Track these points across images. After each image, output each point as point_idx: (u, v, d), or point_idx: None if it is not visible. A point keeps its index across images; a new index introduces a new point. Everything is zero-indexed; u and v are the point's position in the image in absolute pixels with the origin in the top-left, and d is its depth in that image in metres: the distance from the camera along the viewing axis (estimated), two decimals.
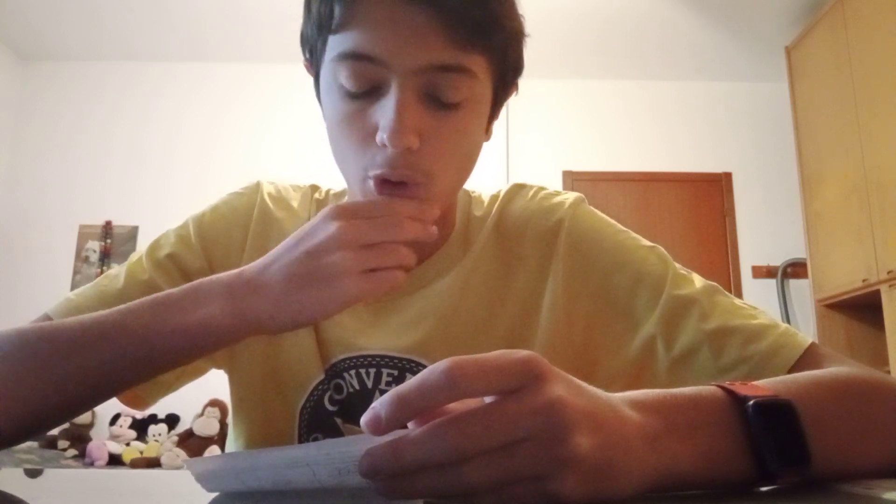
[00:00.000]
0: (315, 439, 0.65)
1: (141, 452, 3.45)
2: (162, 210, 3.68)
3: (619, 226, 0.69)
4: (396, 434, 0.32)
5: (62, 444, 3.43)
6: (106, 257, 4.02)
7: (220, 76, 4.26)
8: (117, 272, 0.65)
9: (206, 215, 0.69)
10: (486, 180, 0.69)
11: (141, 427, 3.60)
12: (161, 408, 3.57)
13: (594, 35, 3.87)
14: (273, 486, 0.38)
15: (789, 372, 0.55)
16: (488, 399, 0.33)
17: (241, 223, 0.69)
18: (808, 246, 3.44)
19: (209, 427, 3.51)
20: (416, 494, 0.31)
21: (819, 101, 3.35)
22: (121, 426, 3.56)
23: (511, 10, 0.56)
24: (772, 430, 0.37)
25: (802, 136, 3.50)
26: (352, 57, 0.53)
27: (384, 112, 0.52)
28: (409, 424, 0.33)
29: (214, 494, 0.40)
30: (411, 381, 0.32)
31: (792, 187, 3.69)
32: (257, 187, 0.72)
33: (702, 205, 4.14)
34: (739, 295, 3.80)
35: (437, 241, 0.67)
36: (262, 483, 0.38)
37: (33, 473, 0.59)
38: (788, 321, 3.83)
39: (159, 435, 3.57)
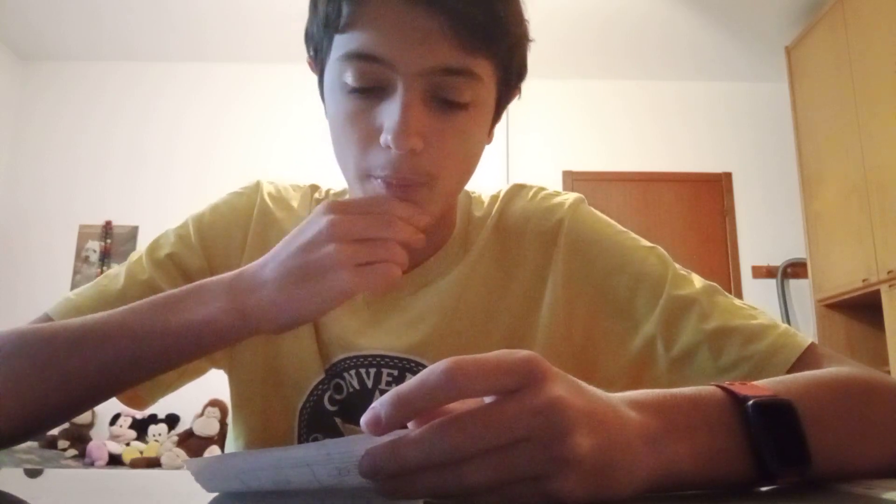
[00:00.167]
0: (315, 439, 0.65)
1: (141, 452, 3.45)
2: (162, 210, 3.68)
3: (619, 226, 0.69)
4: (396, 434, 0.32)
5: (62, 444, 3.43)
6: (106, 257, 4.02)
7: (220, 76, 4.26)
8: (117, 272, 0.65)
9: (205, 215, 0.69)
10: (486, 180, 0.69)
11: (141, 427, 3.60)
12: (161, 408, 3.57)
13: (594, 35, 3.87)
14: (273, 485, 0.38)
15: (789, 372, 0.55)
16: (488, 399, 0.33)
17: (241, 223, 0.69)
18: (808, 246, 3.44)
19: (209, 427, 3.51)
20: (417, 494, 0.31)
21: (819, 101, 3.35)
22: (121, 426, 3.56)
23: (517, 16, 0.56)
24: (772, 430, 0.37)
25: (802, 136, 3.51)
26: (358, 57, 0.53)
27: (389, 113, 0.52)
28: (410, 424, 0.33)
29: (214, 494, 0.40)
30: (411, 381, 0.32)
31: (792, 187, 3.69)
32: (257, 187, 0.72)
33: (702, 205, 4.14)
34: (739, 295, 3.80)
35: (437, 241, 0.67)
36: (262, 483, 0.38)
37: (33, 473, 0.59)
38: (788, 321, 3.83)
39: (159, 435, 3.57)
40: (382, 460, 0.31)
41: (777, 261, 4.02)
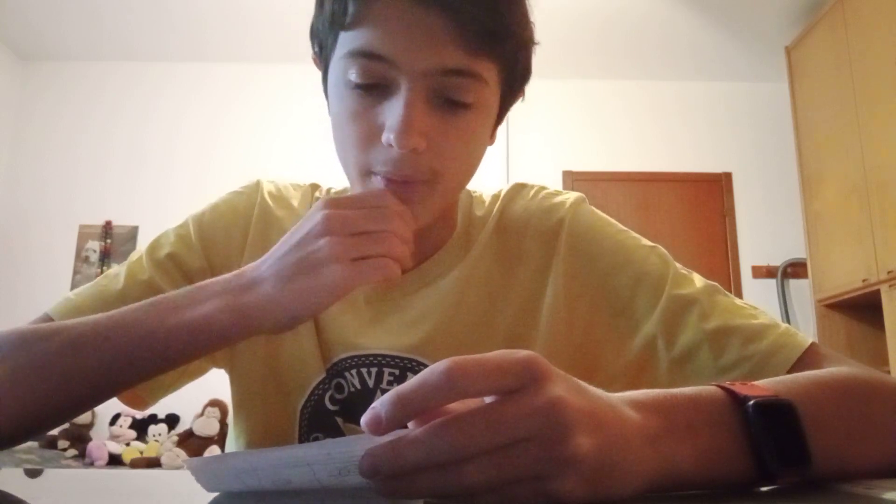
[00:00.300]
0: (315, 439, 0.65)
1: (141, 452, 3.45)
2: (162, 210, 3.67)
3: (620, 225, 0.69)
4: (397, 434, 0.32)
5: (62, 444, 3.43)
6: (106, 257, 4.02)
7: (220, 76, 4.26)
8: (117, 272, 0.65)
9: (206, 214, 0.69)
10: (486, 180, 0.69)
11: (141, 427, 3.60)
12: (161, 408, 3.57)
13: (594, 35, 3.87)
14: (273, 485, 0.38)
15: (789, 372, 0.55)
16: (488, 399, 0.33)
17: (241, 222, 0.69)
18: (808, 246, 3.44)
19: (209, 427, 3.51)
20: (417, 494, 0.31)
21: (819, 101, 3.35)
22: (121, 426, 3.56)
23: (523, 18, 0.56)
24: (772, 430, 0.37)
25: (802, 136, 3.51)
26: (363, 55, 0.53)
27: (392, 112, 0.53)
28: (410, 424, 0.33)
29: (214, 494, 0.40)
30: (411, 381, 0.32)
31: (792, 187, 3.69)
32: (257, 186, 0.72)
33: (702, 205, 4.14)
34: (739, 295, 3.79)
35: (438, 240, 0.67)
36: (262, 483, 0.38)
37: (33, 473, 0.59)
38: (788, 321, 3.83)
39: (159, 435, 3.57)
40: (382, 460, 0.31)
41: (777, 261, 4.02)
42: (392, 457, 0.31)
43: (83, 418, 3.51)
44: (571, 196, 0.70)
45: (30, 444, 3.16)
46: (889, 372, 2.67)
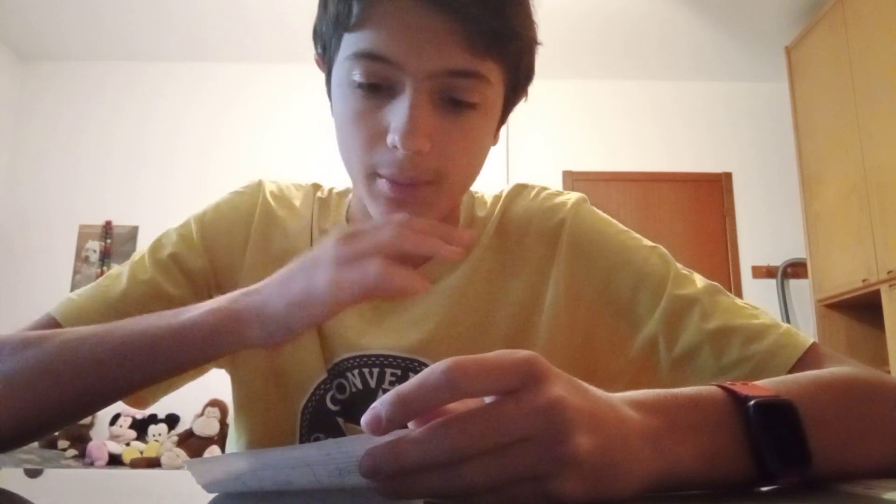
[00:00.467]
0: (316, 439, 0.65)
1: (141, 452, 3.45)
2: (162, 210, 3.67)
3: (621, 226, 0.69)
4: (397, 434, 0.32)
5: (62, 444, 3.43)
6: (106, 257, 4.02)
7: (220, 76, 4.26)
8: (119, 272, 0.65)
9: (207, 214, 0.69)
10: (486, 180, 0.69)
11: (141, 427, 3.60)
12: (161, 408, 3.57)
13: (594, 35, 3.87)
14: (273, 486, 0.38)
15: (790, 372, 0.55)
16: (488, 399, 0.33)
17: (243, 222, 0.69)
18: (808, 246, 3.44)
19: (209, 427, 3.51)
20: (417, 494, 0.31)
21: (819, 101, 3.35)
22: (121, 426, 3.56)
23: (527, 19, 0.56)
24: (772, 430, 0.37)
25: (802, 136, 3.51)
26: (367, 56, 0.53)
27: (397, 114, 0.52)
28: (410, 424, 0.33)
29: (214, 494, 0.40)
30: (411, 381, 0.32)
31: (792, 187, 3.69)
32: (259, 186, 0.72)
33: (702, 205, 4.14)
34: (739, 295, 3.79)
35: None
36: (262, 483, 0.38)
37: (33, 473, 0.59)
38: (788, 321, 3.83)
39: (159, 435, 3.57)
40: (382, 460, 0.31)
41: (777, 261, 4.02)
42: (392, 457, 0.31)
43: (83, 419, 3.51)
44: (572, 196, 0.70)
45: (30, 444, 3.16)
46: (889, 372, 2.67)
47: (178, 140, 4.16)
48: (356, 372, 0.64)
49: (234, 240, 0.68)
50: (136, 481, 0.58)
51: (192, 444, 3.47)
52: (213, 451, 3.44)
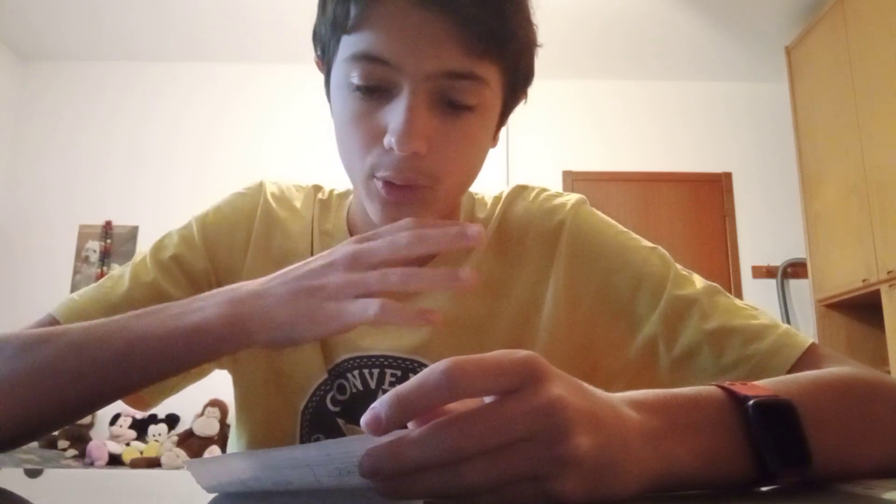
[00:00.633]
0: (317, 440, 0.65)
1: (141, 452, 3.45)
2: (162, 210, 3.69)
3: (620, 227, 0.69)
4: (397, 434, 0.32)
5: (62, 444, 3.43)
6: (106, 257, 4.02)
7: (220, 76, 4.26)
8: (121, 273, 0.65)
9: (209, 216, 0.69)
10: (486, 181, 0.69)
11: (141, 427, 3.60)
12: (161, 408, 3.54)
13: (594, 35, 3.87)
14: (273, 486, 0.38)
15: (789, 372, 0.55)
16: (488, 399, 0.33)
17: (244, 223, 0.69)
18: (808, 246, 3.44)
19: (209, 427, 3.51)
20: (416, 494, 0.31)
21: (819, 101, 3.35)
22: (121, 426, 3.56)
23: (526, 20, 0.56)
24: (772, 430, 0.37)
25: (802, 136, 3.51)
26: (365, 58, 0.53)
27: (394, 115, 0.52)
28: (410, 424, 0.33)
29: (214, 494, 0.40)
30: (411, 381, 0.32)
31: (792, 187, 3.69)
32: (260, 187, 0.72)
33: (702, 205, 4.14)
34: (739, 295, 3.80)
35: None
36: (262, 483, 0.38)
37: (33, 473, 0.59)
38: (788, 321, 3.83)
39: (159, 435, 3.58)
40: (382, 460, 0.31)
41: (777, 261, 4.02)
42: (392, 457, 0.31)
43: (83, 419, 3.51)
44: (572, 198, 0.70)
45: (30, 444, 3.16)
46: (889, 372, 2.67)
47: (178, 140, 4.16)
48: (356, 373, 0.64)
49: (236, 241, 0.68)
50: (136, 481, 0.58)
51: (192, 444, 3.47)
52: (213, 451, 3.44)
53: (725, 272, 4.01)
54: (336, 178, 0.73)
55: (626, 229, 0.69)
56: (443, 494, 0.31)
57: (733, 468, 0.37)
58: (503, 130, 0.65)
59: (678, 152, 4.20)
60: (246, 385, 0.67)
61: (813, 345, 0.57)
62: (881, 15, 2.89)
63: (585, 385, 0.35)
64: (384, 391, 0.63)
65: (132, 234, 4.06)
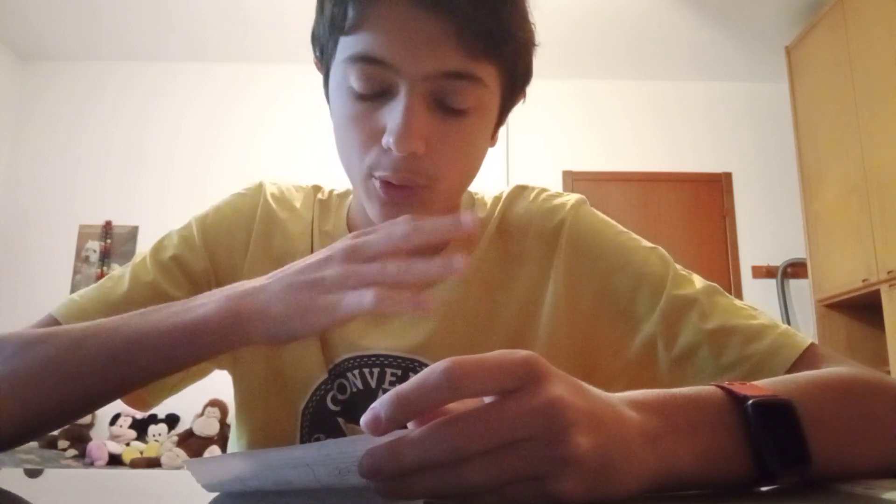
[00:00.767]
0: (317, 439, 0.65)
1: (141, 452, 3.45)
2: (162, 210, 3.69)
3: (620, 227, 0.69)
4: (397, 434, 0.32)
5: (62, 444, 3.43)
6: (106, 257, 4.02)
7: (220, 76, 4.26)
8: (121, 273, 0.65)
9: (209, 216, 0.69)
10: (486, 181, 0.69)
11: (141, 427, 3.60)
12: (161, 408, 3.55)
13: (594, 35, 3.87)
14: (273, 486, 0.38)
15: (788, 372, 0.55)
16: (488, 399, 0.33)
17: (244, 224, 0.69)
18: (808, 246, 3.44)
19: (209, 427, 3.51)
20: (416, 494, 0.31)
21: (819, 101, 3.35)
22: (121, 426, 3.56)
23: (524, 20, 0.56)
24: (771, 430, 0.37)
25: (802, 136, 3.51)
26: (363, 59, 0.53)
27: (392, 116, 0.53)
28: (410, 424, 0.33)
29: (214, 494, 0.40)
30: (411, 381, 0.32)
31: (792, 187, 3.69)
32: (260, 188, 0.72)
33: (702, 205, 4.14)
34: (739, 295, 3.80)
35: (440, 242, 0.67)
36: (262, 483, 0.38)
37: (33, 473, 0.59)
38: (788, 321, 3.83)
39: (159, 435, 3.58)
40: (382, 460, 0.31)
41: (777, 261, 4.02)
42: (392, 457, 0.31)
43: (83, 418, 3.51)
44: (572, 198, 0.70)
45: (30, 444, 3.15)
46: (889, 372, 2.67)
47: (178, 140, 4.17)
48: (356, 372, 0.64)
49: (236, 241, 0.68)
50: (136, 481, 0.58)
51: (192, 444, 3.47)
52: (213, 451, 3.44)
53: (725, 272, 4.01)
54: (336, 178, 0.73)
55: (625, 229, 0.69)
56: (443, 494, 0.31)
57: (733, 468, 0.37)
58: (503, 130, 0.65)
59: (678, 152, 4.20)
60: (246, 385, 0.67)
61: (812, 345, 0.57)
62: (881, 15, 2.90)
63: (585, 385, 0.35)
64: (384, 390, 0.63)
65: (132, 234, 4.06)
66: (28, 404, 0.50)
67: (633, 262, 0.64)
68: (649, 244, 0.67)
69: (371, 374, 0.64)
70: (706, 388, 0.40)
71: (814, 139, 3.41)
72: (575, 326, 0.65)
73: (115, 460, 3.40)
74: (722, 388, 0.39)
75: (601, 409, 0.34)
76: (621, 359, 0.63)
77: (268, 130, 4.15)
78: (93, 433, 3.60)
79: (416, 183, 0.55)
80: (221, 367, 0.70)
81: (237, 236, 0.68)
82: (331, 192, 0.74)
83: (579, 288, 0.65)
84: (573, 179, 4.15)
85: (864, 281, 2.96)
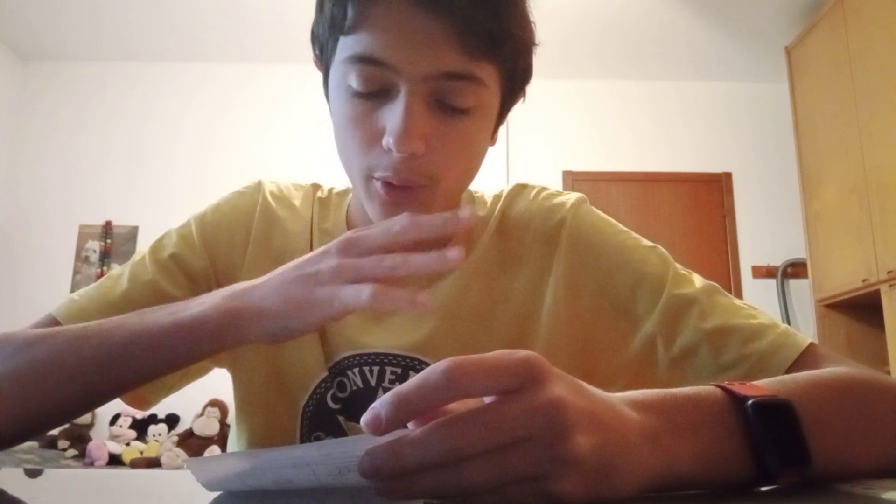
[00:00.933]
0: (317, 438, 0.65)
1: (141, 452, 3.45)
2: (162, 210, 3.68)
3: (620, 226, 0.69)
4: (397, 434, 0.32)
5: (62, 444, 3.43)
6: (106, 257, 4.02)
7: (220, 76, 4.26)
8: (120, 272, 0.65)
9: (208, 215, 0.69)
10: (486, 180, 0.69)
11: (141, 427, 3.60)
12: (161, 408, 3.55)
13: (594, 35, 3.87)
14: (274, 485, 0.38)
15: (788, 371, 0.55)
16: (488, 399, 0.33)
17: (243, 222, 0.69)
18: (808, 246, 3.44)
19: (209, 427, 3.51)
20: (416, 494, 0.31)
21: (819, 101, 3.35)
22: (121, 426, 3.56)
23: (524, 20, 0.56)
24: (771, 430, 0.37)
25: (802, 136, 3.51)
26: (362, 60, 0.53)
27: (392, 116, 0.53)
28: (410, 424, 0.33)
29: (214, 494, 0.40)
30: (411, 381, 0.32)
31: (792, 187, 3.69)
32: (259, 186, 0.72)
33: (702, 205, 4.14)
34: (739, 295, 3.80)
35: (439, 240, 0.67)
36: (262, 483, 0.38)
37: (33, 473, 0.59)
38: (788, 321, 3.83)
39: (159, 435, 3.58)
40: (382, 460, 0.31)
41: (777, 261, 4.02)
42: (392, 457, 0.31)
43: (83, 418, 3.51)
44: (572, 196, 0.70)
45: (30, 444, 3.16)
46: (889, 372, 2.67)
47: (178, 140, 4.17)
48: (356, 370, 0.64)
49: (235, 240, 0.68)
50: (136, 481, 0.58)
51: (192, 444, 3.47)
52: (213, 451, 3.44)
53: (725, 272, 4.01)
54: (336, 178, 0.73)
55: (625, 228, 0.69)
56: (443, 494, 0.31)
57: (733, 468, 0.37)
58: (503, 130, 0.65)
59: (678, 152, 4.20)
60: (246, 384, 0.67)
61: (812, 344, 0.57)
62: (881, 15, 2.89)
63: (585, 385, 0.35)
64: (384, 389, 0.63)
65: (132, 234, 4.06)
66: (27, 403, 0.50)
67: (633, 261, 0.64)
68: (649, 243, 0.67)
69: (371, 372, 0.64)
70: (706, 388, 0.40)
71: (814, 139, 3.41)
72: (575, 325, 0.65)
73: (115, 460, 3.40)
74: (722, 387, 0.39)
75: (601, 408, 0.34)
76: (621, 358, 0.63)
77: (268, 130, 4.15)
78: (93, 433, 3.60)
79: (417, 183, 0.55)
80: (221, 365, 0.70)
81: (236, 235, 0.68)
82: (330, 190, 0.74)
83: (579, 286, 0.65)
84: (573, 179, 4.15)
85: (864, 281, 2.96)
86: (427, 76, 0.52)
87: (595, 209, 0.70)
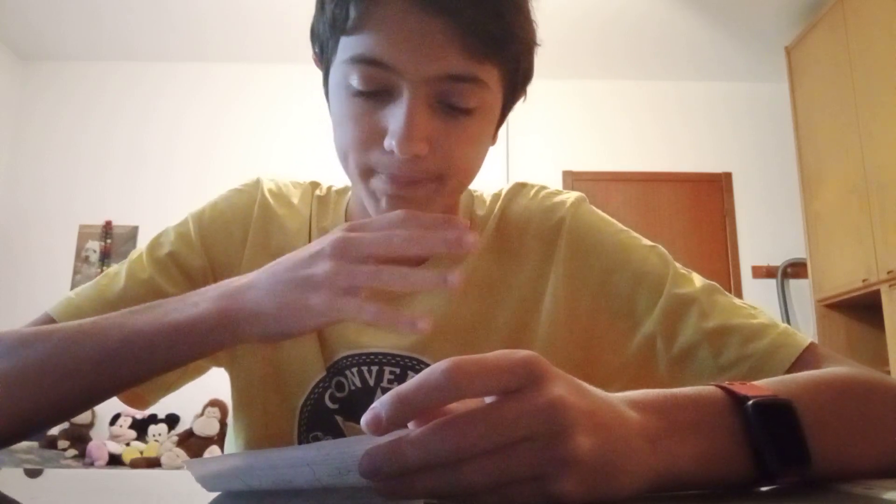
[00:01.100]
0: (315, 438, 0.65)
1: (141, 452, 3.45)
2: (162, 210, 3.67)
3: (620, 225, 0.69)
4: (397, 434, 0.32)
5: (62, 444, 3.43)
6: (106, 257, 4.02)
7: (220, 76, 4.26)
8: (118, 270, 0.65)
9: (206, 213, 0.69)
10: (486, 180, 0.69)
11: (141, 427, 3.60)
12: (161, 408, 3.57)
13: (594, 35, 3.87)
14: (273, 485, 0.38)
15: (788, 371, 0.55)
16: (488, 399, 0.33)
17: (241, 220, 0.69)
18: (808, 246, 3.44)
19: (209, 427, 3.51)
20: (416, 494, 0.31)
21: (819, 101, 3.35)
22: (121, 426, 3.56)
23: (526, 21, 0.56)
24: (771, 430, 0.37)
25: (802, 136, 3.51)
26: (364, 61, 0.53)
27: (394, 118, 0.52)
28: (410, 424, 0.33)
29: (214, 494, 0.40)
30: (412, 381, 0.32)
31: (792, 187, 3.69)
32: (257, 184, 0.72)
33: (702, 205, 4.14)
34: (739, 295, 3.80)
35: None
36: (262, 483, 0.38)
37: (33, 473, 0.59)
38: (788, 321, 3.83)
39: (159, 435, 3.57)
40: (382, 460, 0.31)
41: (777, 261, 4.02)
42: (392, 457, 0.31)
43: (83, 418, 3.51)
44: (572, 196, 0.70)
45: (30, 444, 3.16)
46: (889, 372, 2.67)
47: (178, 140, 4.16)
48: (355, 370, 0.64)
49: (233, 238, 0.68)
50: (136, 481, 0.58)
51: (192, 444, 3.47)
52: (213, 451, 3.44)
53: (725, 272, 4.01)
54: (337, 178, 0.73)
55: (625, 228, 0.69)
56: (443, 494, 0.31)
57: (733, 468, 0.37)
58: (503, 130, 0.65)
59: (678, 152, 4.20)
60: (243, 383, 0.67)
61: (812, 344, 0.57)
62: (881, 15, 2.89)
63: (586, 385, 0.35)
64: (383, 389, 0.63)
65: (132, 234, 4.06)
66: (24, 402, 0.50)
67: (633, 261, 0.64)
68: (649, 243, 0.67)
69: (370, 372, 0.64)
70: (706, 388, 0.40)
71: (814, 139, 3.41)
72: (574, 324, 0.65)
73: (115, 460, 3.40)
74: (722, 388, 0.39)
75: (602, 409, 0.34)
76: (621, 357, 0.63)
77: (268, 130, 4.15)
78: (93, 433, 3.60)
79: (421, 177, 0.55)
80: (219, 364, 0.70)
81: (234, 233, 0.68)
82: (329, 188, 0.74)
83: (579, 286, 0.65)
84: (573, 179, 4.15)
85: (864, 281, 2.96)
86: (430, 78, 0.52)
87: (594, 208, 0.70)
